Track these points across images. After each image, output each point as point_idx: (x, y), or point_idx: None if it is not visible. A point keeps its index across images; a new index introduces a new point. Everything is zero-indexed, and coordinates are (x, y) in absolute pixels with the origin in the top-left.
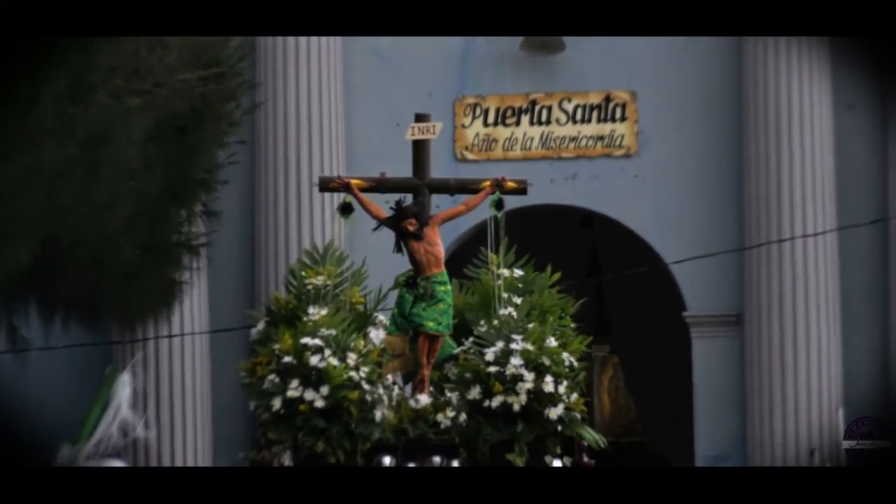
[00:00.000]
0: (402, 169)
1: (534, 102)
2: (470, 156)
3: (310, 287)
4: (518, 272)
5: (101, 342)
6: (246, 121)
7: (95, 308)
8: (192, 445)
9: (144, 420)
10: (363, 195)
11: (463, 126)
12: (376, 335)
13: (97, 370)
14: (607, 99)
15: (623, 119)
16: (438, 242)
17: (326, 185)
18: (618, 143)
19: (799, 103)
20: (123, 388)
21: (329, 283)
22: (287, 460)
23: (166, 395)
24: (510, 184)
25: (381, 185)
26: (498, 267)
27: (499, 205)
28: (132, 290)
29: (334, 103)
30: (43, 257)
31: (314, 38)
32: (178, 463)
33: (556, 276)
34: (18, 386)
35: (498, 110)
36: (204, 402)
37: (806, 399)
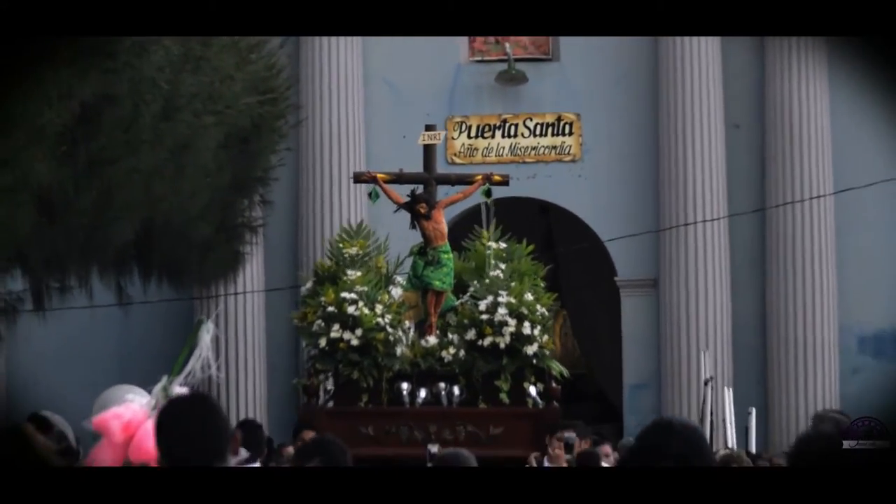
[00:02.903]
0: (407, 167)
1: (505, 121)
2: (457, 160)
3: (346, 255)
4: (503, 244)
5: (185, 297)
6: (291, 133)
7: (181, 272)
8: (251, 376)
9: (218, 361)
10: (387, 185)
11: (452, 138)
12: (395, 292)
13: (182, 318)
14: (559, 119)
15: (570, 134)
16: (443, 221)
17: (359, 178)
18: (567, 151)
19: (700, 126)
20: (207, 334)
21: (360, 252)
22: (330, 385)
23: (233, 338)
24: (496, 178)
25: (400, 178)
26: (488, 240)
27: (488, 193)
28: (208, 259)
29: (356, 120)
30: (142, 234)
31: (343, 73)
32: (241, 390)
33: (531, 247)
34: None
35: (478, 126)
36: (259, 343)
37: (704, 342)
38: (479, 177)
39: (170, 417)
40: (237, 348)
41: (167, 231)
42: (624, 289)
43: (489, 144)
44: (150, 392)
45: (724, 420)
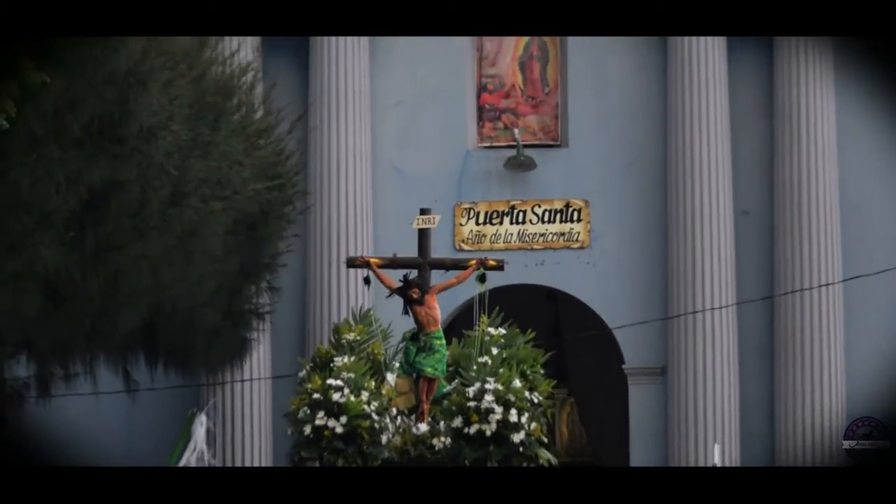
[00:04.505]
0: (412, 252)
1: (513, 207)
2: (465, 247)
3: (344, 341)
4: (501, 330)
5: (192, 384)
6: (299, 219)
7: (188, 359)
8: (257, 463)
9: (214, 451)
10: (380, 271)
11: (460, 224)
12: (391, 378)
13: (188, 405)
14: (567, 205)
15: (579, 220)
16: (436, 307)
17: (352, 263)
18: (575, 238)
19: (709, 212)
20: (201, 427)
21: (359, 338)
22: None
23: (239, 423)
24: (491, 262)
25: (393, 263)
26: (485, 326)
27: (482, 279)
28: (215, 345)
29: (364, 207)
30: (149, 320)
31: (351, 158)
32: None
33: (532, 335)
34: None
35: (486, 213)
36: (266, 429)
37: (713, 431)
38: (474, 262)
39: None
40: (243, 435)
41: (174, 317)
42: (632, 376)
43: (497, 231)
44: None
45: None
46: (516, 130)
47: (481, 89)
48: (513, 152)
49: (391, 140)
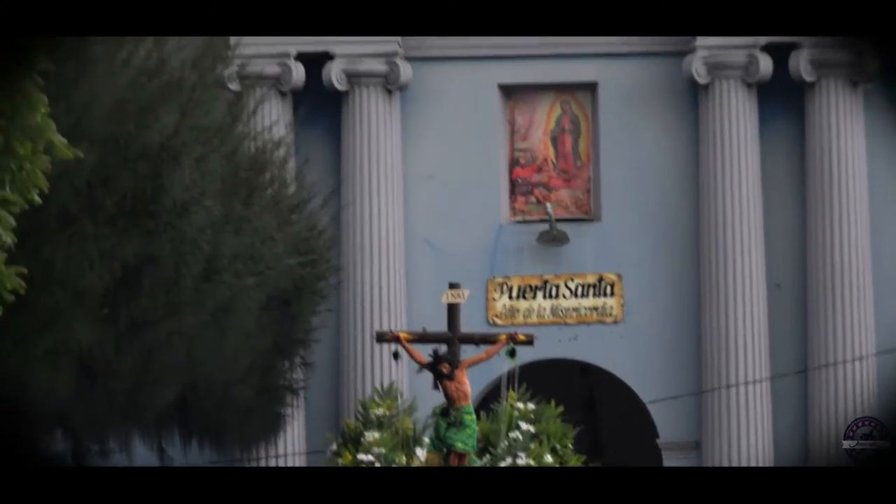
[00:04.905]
0: (445, 327)
1: (546, 282)
2: (499, 321)
3: (373, 416)
4: (531, 405)
5: (226, 460)
6: (332, 294)
7: (222, 435)
8: None
9: None
10: (409, 345)
11: (493, 299)
12: (422, 453)
13: None
14: (600, 279)
15: (612, 294)
16: (466, 381)
17: (382, 338)
18: (608, 312)
19: (742, 285)
20: None
21: (388, 412)
22: None
23: None
24: (521, 337)
25: (423, 338)
26: (515, 401)
27: (512, 353)
28: (249, 421)
29: (397, 282)
30: (183, 396)
31: (384, 233)
32: None
33: (560, 409)
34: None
35: (520, 287)
36: None
37: None
38: (503, 336)
39: None
40: None
41: (208, 393)
42: (666, 451)
43: (530, 305)
44: None
45: None
46: (549, 205)
47: (513, 163)
48: (545, 227)
49: (424, 214)
